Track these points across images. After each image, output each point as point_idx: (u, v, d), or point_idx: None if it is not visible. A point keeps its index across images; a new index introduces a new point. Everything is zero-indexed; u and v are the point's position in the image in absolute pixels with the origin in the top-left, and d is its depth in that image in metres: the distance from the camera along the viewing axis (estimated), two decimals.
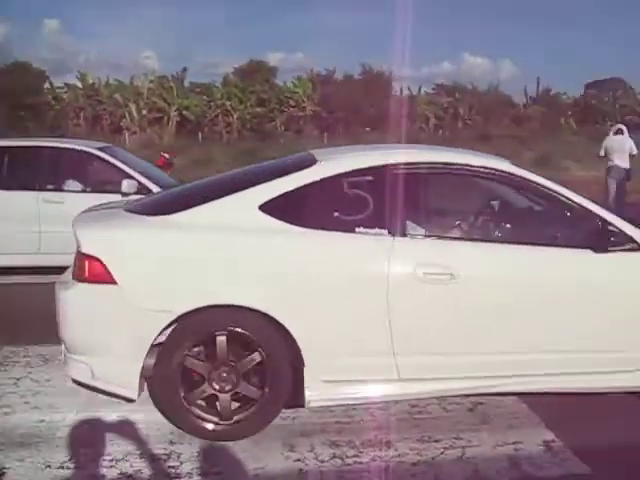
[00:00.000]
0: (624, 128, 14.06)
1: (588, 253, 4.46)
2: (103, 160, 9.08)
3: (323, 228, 4.37)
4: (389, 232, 4.35)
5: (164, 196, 5.50)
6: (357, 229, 4.35)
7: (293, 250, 4.33)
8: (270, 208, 4.34)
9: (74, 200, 8.18)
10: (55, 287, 4.49)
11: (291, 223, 4.33)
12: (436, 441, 4.26)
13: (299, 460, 4.00)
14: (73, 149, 9.34)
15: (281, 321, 4.17)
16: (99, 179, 9.34)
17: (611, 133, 14.24)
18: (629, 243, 4.50)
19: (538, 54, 77.56)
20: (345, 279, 4.28)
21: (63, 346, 4.47)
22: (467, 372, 4.43)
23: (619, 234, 4.50)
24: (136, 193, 8.09)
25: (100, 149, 9.32)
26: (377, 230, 4.35)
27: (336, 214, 4.50)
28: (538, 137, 36.35)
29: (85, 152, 9.25)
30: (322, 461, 4.00)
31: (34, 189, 8.78)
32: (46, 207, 8.58)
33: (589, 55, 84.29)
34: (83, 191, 8.95)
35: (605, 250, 4.46)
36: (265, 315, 4.17)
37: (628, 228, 4.55)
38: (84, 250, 4.23)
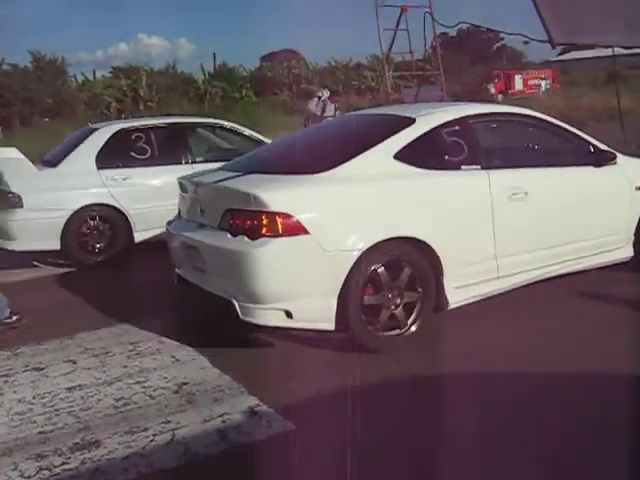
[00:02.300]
0: (321, 95, 15.05)
1: (592, 168, 6.43)
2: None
3: (439, 168, 5.68)
4: (481, 167, 5.75)
5: (286, 155, 6.27)
6: (462, 167, 5.71)
7: (429, 188, 5.58)
8: (401, 157, 5.50)
9: None
10: (225, 251, 5.14)
11: (418, 167, 5.54)
12: (145, 430, 4.26)
13: None
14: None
15: (430, 244, 5.30)
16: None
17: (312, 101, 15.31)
18: (614, 159, 6.50)
19: (213, 32, 78.98)
20: (465, 205, 5.63)
21: (237, 303, 5.04)
22: (541, 263, 6.03)
23: (606, 152, 6.51)
24: None
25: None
26: (474, 166, 5.74)
27: (445, 157, 5.80)
28: (220, 111, 37.03)
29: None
30: (28, 477, 3.80)
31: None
32: None
33: (263, 30, 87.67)
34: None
35: (601, 165, 6.45)
36: (414, 240, 5.27)
37: (606, 148, 6.57)
38: (275, 209, 4.91)
